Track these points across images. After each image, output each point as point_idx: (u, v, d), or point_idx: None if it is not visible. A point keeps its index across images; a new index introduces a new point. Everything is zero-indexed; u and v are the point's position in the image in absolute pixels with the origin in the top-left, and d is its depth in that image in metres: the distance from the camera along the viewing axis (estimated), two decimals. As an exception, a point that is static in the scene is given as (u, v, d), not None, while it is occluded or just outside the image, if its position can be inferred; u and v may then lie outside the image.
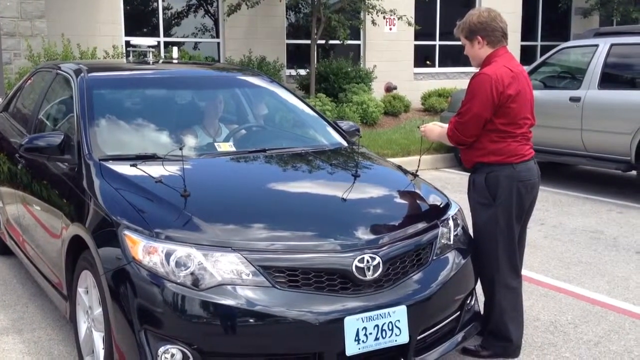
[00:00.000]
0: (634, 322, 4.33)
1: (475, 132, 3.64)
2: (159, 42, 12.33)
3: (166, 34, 12.83)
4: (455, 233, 3.67)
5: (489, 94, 3.55)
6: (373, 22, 12.50)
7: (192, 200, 3.30)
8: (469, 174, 3.84)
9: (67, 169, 3.95)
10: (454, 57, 15.40)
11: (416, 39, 14.98)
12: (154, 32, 12.65)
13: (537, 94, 5.10)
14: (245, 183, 3.82)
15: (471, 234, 3.85)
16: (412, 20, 13.05)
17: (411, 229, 3.45)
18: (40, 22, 10.42)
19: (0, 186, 5.22)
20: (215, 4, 13.27)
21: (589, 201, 7.72)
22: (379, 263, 3.16)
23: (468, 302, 3.67)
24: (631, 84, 7.97)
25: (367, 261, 3.14)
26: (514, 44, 15.67)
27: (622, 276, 5.20)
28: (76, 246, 3.52)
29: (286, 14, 13.77)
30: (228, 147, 4.26)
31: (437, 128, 3.92)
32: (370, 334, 3.07)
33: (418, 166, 4.22)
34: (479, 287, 3.85)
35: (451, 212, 3.78)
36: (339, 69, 12.84)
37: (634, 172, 7.97)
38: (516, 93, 3.62)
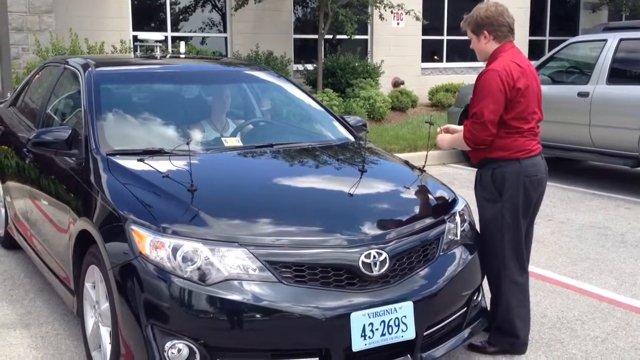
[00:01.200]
0: (641, 319, 4.33)
1: (493, 130, 3.60)
2: (166, 37, 12.32)
3: (174, 29, 12.83)
4: (462, 229, 3.67)
5: (501, 88, 3.54)
6: (380, 17, 12.46)
7: (199, 195, 3.30)
8: (476, 169, 3.84)
9: (74, 164, 3.96)
10: (462, 52, 15.35)
11: (424, 33, 14.94)
12: (161, 27, 12.65)
13: (545, 89, 5.07)
14: (252, 178, 3.82)
15: (478, 229, 3.85)
16: (420, 15, 13.00)
17: (418, 225, 3.44)
18: (48, 16, 10.44)
19: (8, 181, 5.24)
20: (222, -1, 13.28)
21: (597, 197, 7.69)
22: (385, 258, 3.16)
23: (475, 298, 3.66)
24: (640, 79, 7.93)
25: (374, 256, 3.13)
26: (522, 38, 15.62)
27: (630, 272, 5.18)
28: (83, 241, 3.53)
29: (293, 9, 13.75)
30: (235, 142, 4.26)
31: (447, 136, 3.92)
32: (377, 329, 3.07)
33: (425, 161, 4.21)
34: (485, 283, 3.84)
35: (458, 207, 3.78)
36: (346, 64, 12.81)
37: (642, 168, 7.94)
38: (525, 87, 3.61)
